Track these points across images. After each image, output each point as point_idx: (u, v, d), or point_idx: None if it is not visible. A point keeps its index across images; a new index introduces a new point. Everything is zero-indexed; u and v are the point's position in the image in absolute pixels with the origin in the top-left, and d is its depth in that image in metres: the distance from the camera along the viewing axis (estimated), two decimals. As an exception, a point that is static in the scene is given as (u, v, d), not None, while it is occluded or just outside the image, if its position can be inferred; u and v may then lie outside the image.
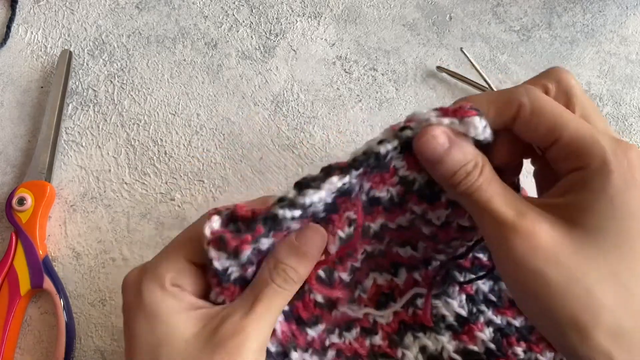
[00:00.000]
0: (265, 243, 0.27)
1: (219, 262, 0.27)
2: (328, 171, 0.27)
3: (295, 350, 0.32)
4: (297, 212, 0.26)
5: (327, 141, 0.45)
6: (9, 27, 0.49)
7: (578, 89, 0.28)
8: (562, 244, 0.24)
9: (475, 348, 0.34)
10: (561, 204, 0.26)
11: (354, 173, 0.27)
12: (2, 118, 0.46)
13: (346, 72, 0.48)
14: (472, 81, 0.46)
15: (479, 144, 0.28)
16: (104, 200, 0.43)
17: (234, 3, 0.50)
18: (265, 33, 0.49)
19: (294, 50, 0.49)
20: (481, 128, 0.27)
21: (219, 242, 0.26)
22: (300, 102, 0.47)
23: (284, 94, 0.47)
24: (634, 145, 0.25)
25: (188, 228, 0.29)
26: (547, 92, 0.28)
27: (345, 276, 0.32)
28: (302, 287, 0.30)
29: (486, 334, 0.35)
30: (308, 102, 0.47)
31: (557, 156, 0.27)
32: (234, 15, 0.50)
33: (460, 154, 0.27)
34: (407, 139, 0.28)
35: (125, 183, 0.44)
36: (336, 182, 0.26)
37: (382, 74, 0.48)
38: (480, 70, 0.45)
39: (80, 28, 0.49)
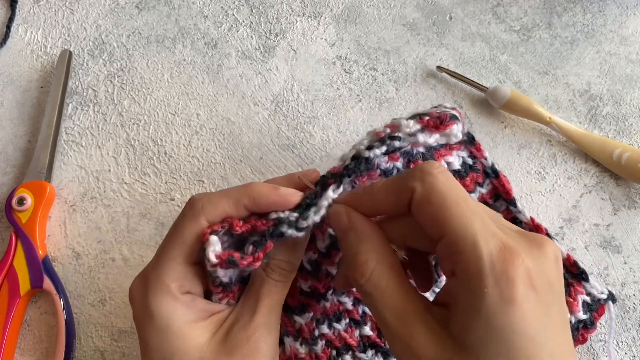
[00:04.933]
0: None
1: (227, 277, 0.28)
2: (324, 184, 0.29)
3: (288, 336, 0.33)
4: (301, 233, 0.28)
5: (327, 141, 0.45)
6: (8, 27, 0.49)
7: (443, 186, 0.25)
8: (439, 357, 0.22)
9: None
10: (443, 314, 0.24)
11: (347, 180, 0.29)
12: (2, 118, 0.46)
13: (346, 72, 0.48)
14: (472, 81, 0.46)
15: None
16: (104, 200, 0.43)
17: (234, 3, 0.50)
18: (265, 33, 0.49)
19: (294, 50, 0.49)
20: (460, 134, 0.30)
21: (229, 263, 0.26)
22: (300, 102, 0.47)
23: (284, 94, 0.47)
24: (518, 255, 0.22)
25: (176, 229, 0.28)
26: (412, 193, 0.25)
27: (332, 269, 0.33)
28: None
29: None
30: (308, 102, 0.47)
31: (440, 254, 0.24)
32: (234, 15, 0.50)
33: (355, 240, 0.27)
34: (394, 148, 0.30)
35: (125, 183, 0.44)
36: (332, 195, 0.29)
37: (382, 74, 0.48)
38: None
39: (80, 28, 0.49)
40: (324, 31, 0.49)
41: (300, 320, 0.33)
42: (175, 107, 0.46)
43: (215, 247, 0.27)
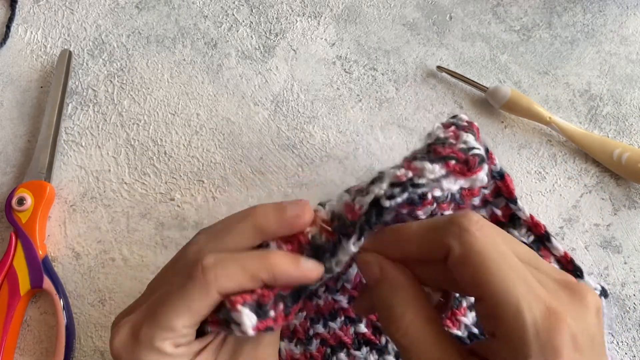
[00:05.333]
0: None
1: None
2: (345, 233, 0.27)
3: (282, 340, 0.33)
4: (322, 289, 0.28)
5: (327, 141, 0.45)
6: (8, 27, 0.49)
7: (483, 246, 0.23)
8: None
9: (459, 332, 0.35)
10: None
11: (368, 232, 0.27)
12: (2, 118, 0.46)
13: (346, 72, 0.48)
14: (472, 81, 0.46)
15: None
16: (104, 200, 0.43)
17: (234, 3, 0.50)
18: (265, 33, 0.49)
19: (294, 50, 0.49)
20: (486, 178, 0.27)
21: (265, 329, 0.25)
22: (300, 102, 0.47)
23: (284, 94, 0.47)
24: (563, 321, 0.22)
25: (183, 293, 0.25)
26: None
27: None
28: None
29: (469, 318, 0.35)
30: (308, 102, 0.47)
31: (481, 313, 0.24)
32: (233, 15, 0.50)
33: (388, 292, 0.25)
34: (416, 197, 0.27)
35: (125, 183, 0.44)
36: (353, 249, 0.27)
37: (382, 74, 0.48)
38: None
39: (80, 28, 0.49)
40: (324, 31, 0.49)
41: (294, 321, 0.33)
42: (175, 107, 0.46)
43: (252, 321, 0.25)
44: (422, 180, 0.26)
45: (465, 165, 0.27)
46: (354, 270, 0.34)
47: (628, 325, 0.40)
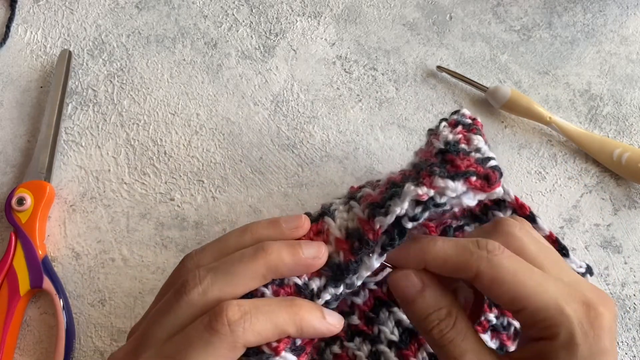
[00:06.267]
0: None
1: None
2: (366, 254, 0.27)
3: None
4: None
5: (327, 141, 0.45)
6: (8, 27, 0.49)
7: (527, 241, 0.27)
8: None
9: (487, 338, 0.34)
10: None
11: (390, 250, 0.27)
12: (2, 118, 0.46)
13: (346, 71, 0.48)
14: (472, 81, 0.46)
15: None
16: (104, 200, 0.43)
17: (234, 3, 0.50)
18: (265, 33, 0.49)
19: (294, 50, 0.49)
20: (502, 190, 0.28)
21: None
22: (300, 102, 0.47)
23: (284, 94, 0.47)
24: (602, 310, 0.25)
25: (208, 347, 0.23)
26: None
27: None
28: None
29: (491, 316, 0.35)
30: (308, 102, 0.46)
31: (523, 323, 0.26)
32: (233, 14, 0.50)
33: (433, 298, 0.26)
34: (436, 213, 0.27)
35: (125, 183, 0.44)
36: (376, 264, 0.27)
37: (382, 74, 0.48)
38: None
39: (79, 28, 0.49)
40: (324, 31, 0.49)
41: None
42: (175, 107, 0.46)
43: None
44: (443, 200, 0.26)
45: (486, 181, 0.27)
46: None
47: (628, 325, 0.40)
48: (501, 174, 0.27)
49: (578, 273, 0.35)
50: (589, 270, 0.36)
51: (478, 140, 0.29)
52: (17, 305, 0.39)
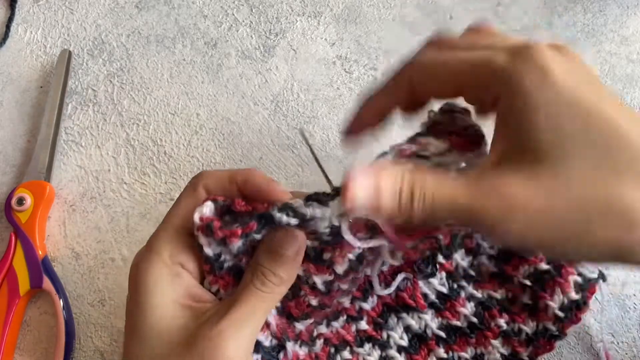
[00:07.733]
0: (259, 238, 0.27)
1: (210, 248, 0.27)
2: (337, 191, 0.27)
3: (289, 341, 0.33)
4: (294, 221, 0.26)
5: (327, 141, 0.45)
6: (8, 27, 0.49)
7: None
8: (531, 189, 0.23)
9: (459, 323, 0.35)
10: (505, 148, 0.25)
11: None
12: (2, 118, 0.46)
13: (346, 71, 0.48)
14: (473, 81, 0.46)
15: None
16: (104, 200, 0.43)
17: (234, 2, 0.50)
18: (265, 32, 0.49)
19: (294, 50, 0.49)
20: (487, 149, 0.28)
21: (206, 229, 0.26)
22: (300, 101, 0.47)
23: (283, 94, 0.47)
24: (533, 45, 0.24)
25: (177, 200, 0.29)
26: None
27: (344, 286, 0.32)
28: (297, 290, 0.30)
29: (468, 308, 0.35)
30: (308, 102, 0.46)
31: (468, 97, 0.27)
32: (233, 14, 0.50)
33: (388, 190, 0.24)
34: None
35: (125, 183, 0.44)
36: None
37: (383, 74, 0.48)
38: (318, 157, 0.34)
39: (79, 28, 0.49)
40: (324, 31, 0.49)
41: (300, 326, 0.33)
42: (175, 107, 0.46)
43: (204, 210, 0.26)
44: (425, 153, 0.27)
45: (467, 139, 0.28)
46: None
47: (628, 326, 0.40)
48: (483, 136, 0.29)
49: (590, 280, 0.35)
50: (602, 276, 0.36)
51: (463, 118, 0.30)
52: (17, 305, 0.39)
